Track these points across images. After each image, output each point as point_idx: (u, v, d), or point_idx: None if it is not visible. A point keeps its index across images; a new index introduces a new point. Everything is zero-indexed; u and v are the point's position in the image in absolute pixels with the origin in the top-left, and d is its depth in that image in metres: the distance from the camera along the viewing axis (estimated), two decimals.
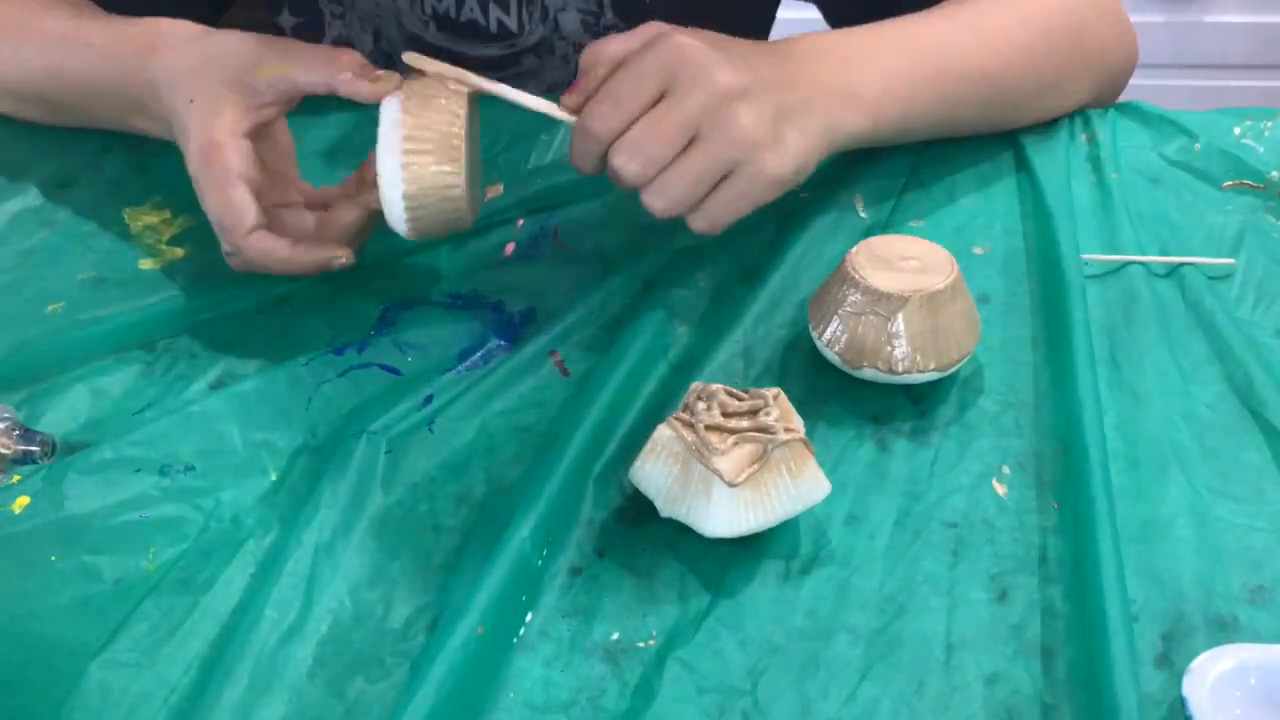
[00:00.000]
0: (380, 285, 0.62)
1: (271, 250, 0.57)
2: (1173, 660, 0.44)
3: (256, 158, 0.57)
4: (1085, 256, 0.61)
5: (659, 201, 0.55)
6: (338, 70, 0.56)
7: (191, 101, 0.57)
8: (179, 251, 0.64)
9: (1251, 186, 0.67)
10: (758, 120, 0.55)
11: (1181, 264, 0.61)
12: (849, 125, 0.61)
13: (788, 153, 0.56)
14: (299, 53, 0.57)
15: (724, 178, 0.55)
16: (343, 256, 0.58)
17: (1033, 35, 0.67)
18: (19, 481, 0.51)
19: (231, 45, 0.58)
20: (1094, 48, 0.71)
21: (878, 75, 0.62)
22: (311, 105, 0.60)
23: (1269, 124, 0.71)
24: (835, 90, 0.60)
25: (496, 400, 0.55)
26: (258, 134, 0.58)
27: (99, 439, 0.53)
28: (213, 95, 0.57)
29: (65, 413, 0.55)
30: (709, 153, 0.54)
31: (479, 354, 0.57)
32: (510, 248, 0.65)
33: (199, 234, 0.65)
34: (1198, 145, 0.70)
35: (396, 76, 0.56)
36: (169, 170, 0.69)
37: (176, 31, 0.62)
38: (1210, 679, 0.41)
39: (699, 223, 0.57)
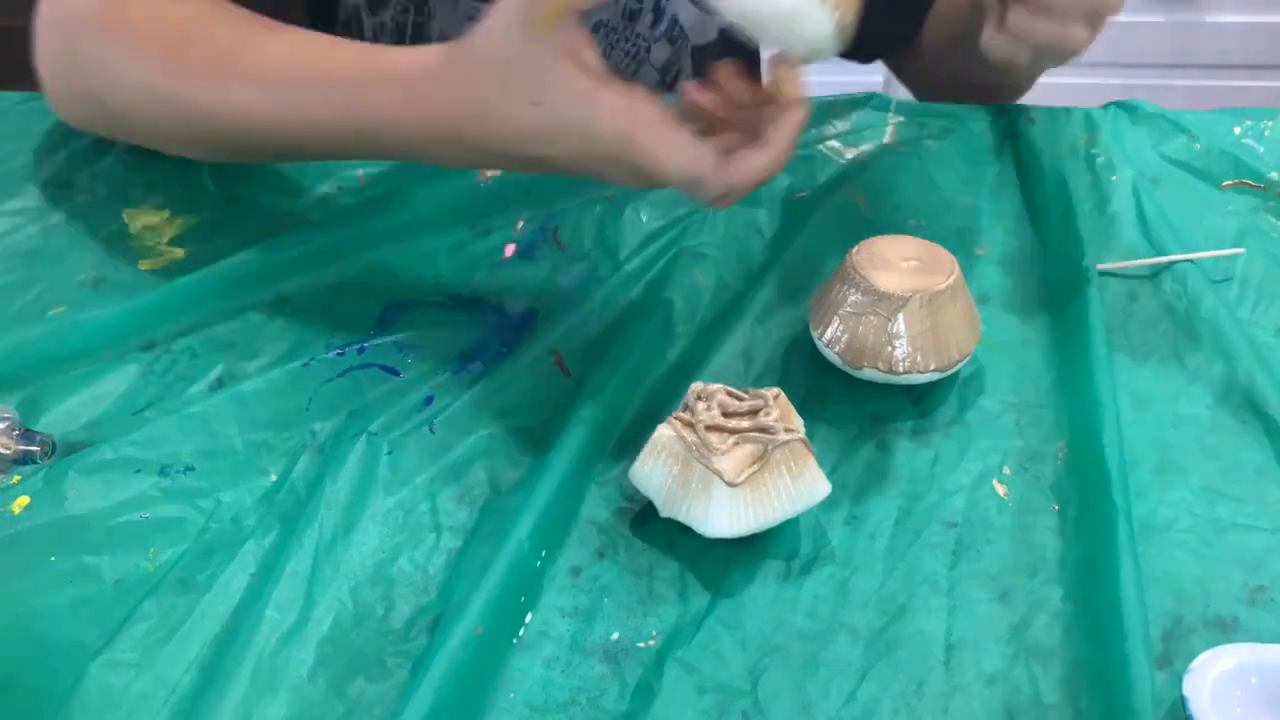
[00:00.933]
0: (380, 285, 0.62)
1: (756, 162, 0.49)
2: (1173, 660, 0.44)
3: (646, 93, 0.49)
4: (1101, 267, 0.61)
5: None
6: None
7: (534, 105, 0.49)
8: (179, 252, 0.64)
9: (1252, 186, 0.67)
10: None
11: (1184, 261, 0.61)
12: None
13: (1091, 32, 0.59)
14: None
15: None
16: (804, 110, 0.50)
17: None
18: (19, 482, 0.51)
19: (494, 42, 0.50)
20: None
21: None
22: None
23: (1269, 124, 0.71)
24: None
25: (497, 400, 0.55)
26: (608, 73, 0.50)
27: (99, 439, 0.53)
28: (551, 83, 0.49)
29: (65, 413, 0.54)
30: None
31: (479, 359, 0.57)
32: (510, 249, 0.65)
33: (199, 234, 0.65)
34: (1198, 145, 0.70)
35: None
36: (168, 170, 0.69)
37: (412, 63, 0.54)
38: (1211, 679, 0.41)
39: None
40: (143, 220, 0.67)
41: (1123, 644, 0.42)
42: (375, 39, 0.78)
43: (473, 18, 0.75)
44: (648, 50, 0.78)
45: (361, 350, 0.58)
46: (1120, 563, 0.45)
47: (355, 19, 0.78)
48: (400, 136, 0.55)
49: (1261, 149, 0.69)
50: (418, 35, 0.77)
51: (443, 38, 0.76)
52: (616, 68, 0.78)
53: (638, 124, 0.49)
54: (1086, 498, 0.48)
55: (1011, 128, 0.72)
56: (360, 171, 0.69)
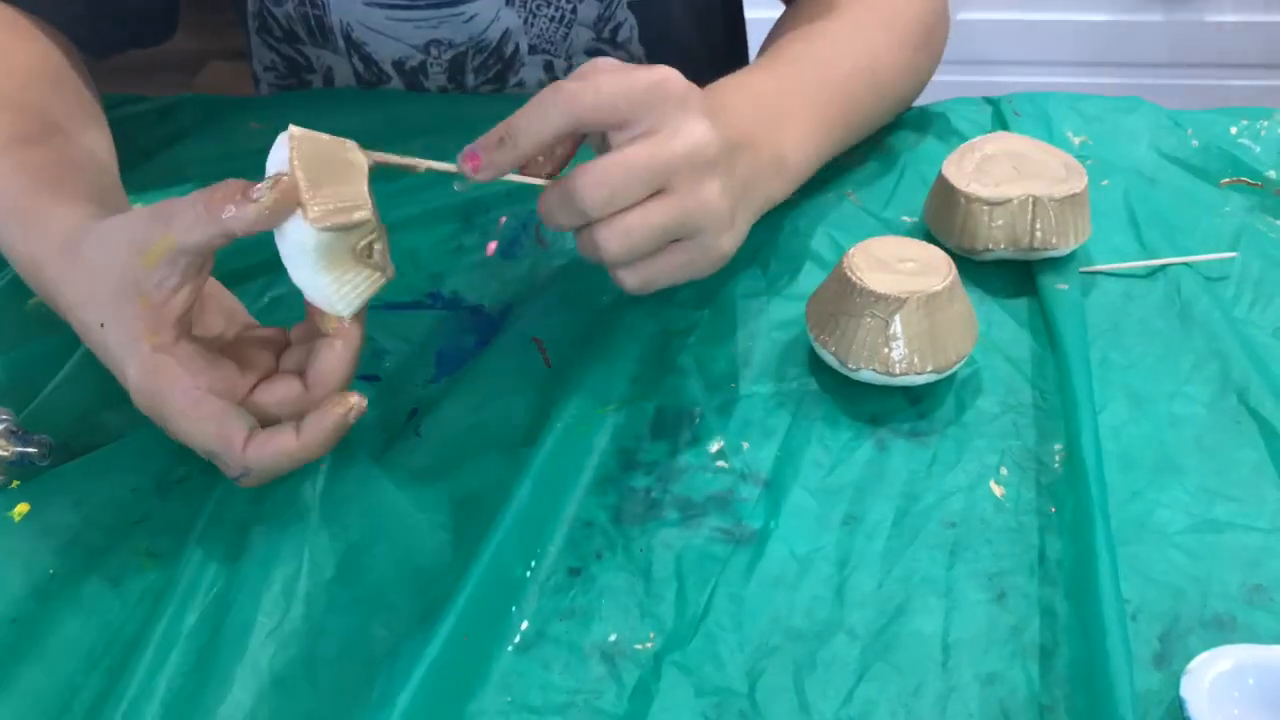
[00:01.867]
0: None
1: (281, 448, 0.48)
2: (1170, 661, 0.44)
3: (203, 352, 0.49)
4: (1083, 270, 0.61)
5: (615, 243, 0.50)
6: (219, 206, 0.45)
7: (102, 325, 0.49)
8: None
9: (1249, 184, 0.67)
10: (724, 197, 0.52)
11: (1179, 263, 0.61)
12: (776, 196, 0.61)
13: (738, 233, 0.55)
14: (172, 213, 0.47)
15: (676, 242, 0.52)
16: (353, 403, 0.49)
17: (908, 52, 0.69)
18: (17, 487, 0.51)
19: (105, 245, 0.49)
20: (938, 41, 0.73)
21: (800, 137, 0.62)
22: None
23: (1265, 123, 0.71)
24: (770, 162, 0.59)
25: (480, 398, 0.55)
26: (186, 326, 0.49)
27: (97, 441, 0.53)
28: (117, 316, 0.48)
29: (64, 414, 0.55)
30: (678, 211, 0.50)
31: (459, 359, 0.57)
32: (492, 246, 0.65)
33: None
34: (1195, 143, 0.70)
35: (284, 180, 0.45)
36: (150, 174, 0.69)
37: (59, 234, 0.52)
38: (1208, 679, 0.41)
39: (633, 279, 0.52)
40: None
41: (1103, 642, 0.42)
42: (288, 28, 0.80)
43: (369, 2, 0.76)
44: (574, 11, 0.78)
45: None
46: (1098, 561, 0.45)
47: (264, 9, 0.79)
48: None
49: (1258, 149, 0.69)
50: (320, 27, 0.79)
51: (345, 28, 0.77)
52: (544, 34, 0.78)
53: (166, 383, 0.47)
54: (1082, 499, 0.48)
55: (1002, 122, 0.72)
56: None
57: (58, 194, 0.54)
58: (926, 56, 0.72)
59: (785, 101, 0.62)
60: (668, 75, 0.51)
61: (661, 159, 0.49)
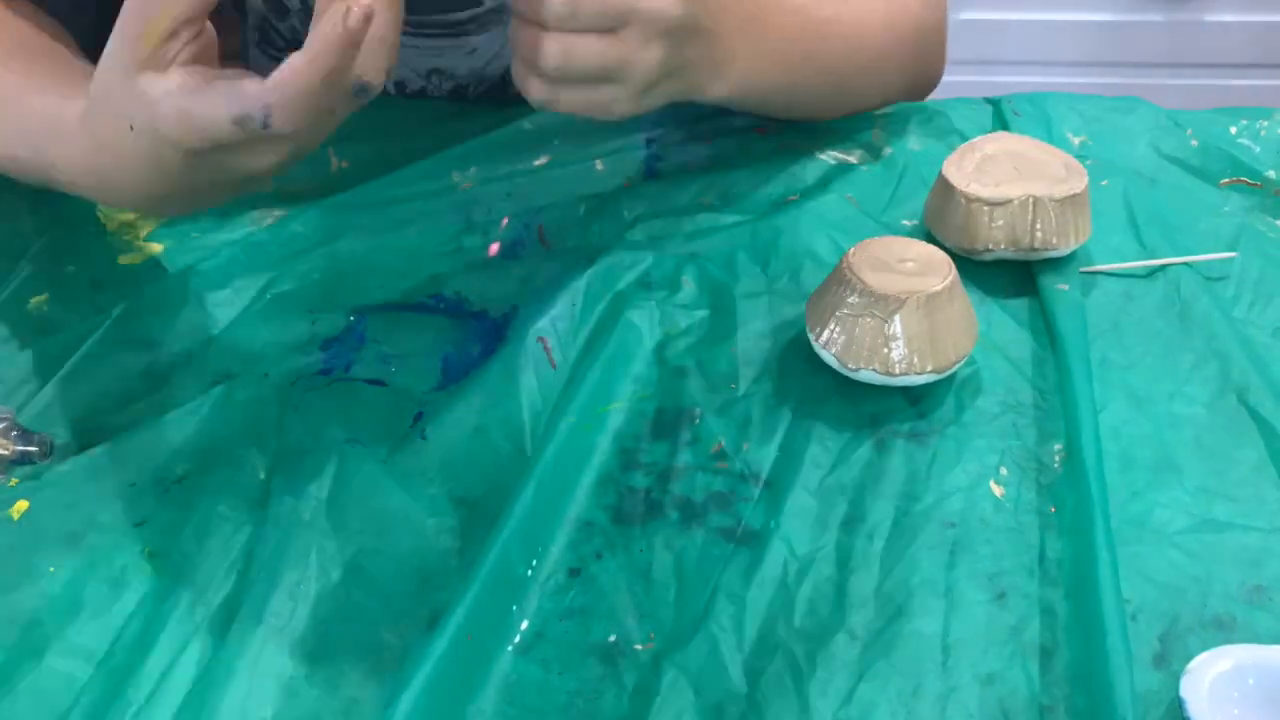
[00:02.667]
0: (363, 287, 0.62)
1: (290, 69, 0.45)
2: (1170, 661, 0.44)
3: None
4: (1083, 270, 0.61)
5: (554, 58, 0.53)
6: None
7: (131, 128, 0.48)
8: (156, 247, 0.65)
9: (1249, 184, 0.67)
10: (660, 67, 0.55)
11: (1179, 263, 0.61)
12: (702, 94, 0.61)
13: (647, 104, 0.57)
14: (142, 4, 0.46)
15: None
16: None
17: (893, 38, 0.70)
18: (16, 485, 0.51)
19: (103, 84, 0.49)
20: (928, 50, 0.74)
21: (755, 56, 0.62)
22: None
23: (1264, 123, 0.71)
24: (719, 61, 0.60)
25: (490, 402, 0.55)
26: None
27: (97, 441, 0.53)
28: (137, 101, 0.48)
29: (64, 414, 0.55)
30: (618, 56, 0.53)
31: (465, 362, 0.57)
32: (495, 247, 0.65)
33: (175, 229, 0.66)
34: (1194, 143, 0.70)
35: None
36: None
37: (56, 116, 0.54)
38: (1208, 680, 0.41)
39: (541, 94, 0.55)
40: (120, 217, 0.67)
41: (1103, 642, 0.42)
42: (291, 39, 0.79)
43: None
44: None
45: (348, 368, 0.57)
46: (1098, 561, 0.45)
47: (265, 23, 0.79)
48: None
49: (1258, 149, 0.69)
50: None
51: None
52: None
53: (185, 91, 0.46)
54: (1077, 498, 0.48)
55: (1002, 122, 0.72)
56: (337, 161, 0.69)
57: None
58: (912, 58, 0.72)
59: (766, 16, 0.62)
60: None
61: (627, 4, 0.52)
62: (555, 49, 0.53)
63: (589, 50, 0.53)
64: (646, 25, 0.53)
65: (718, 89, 0.62)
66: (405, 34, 0.75)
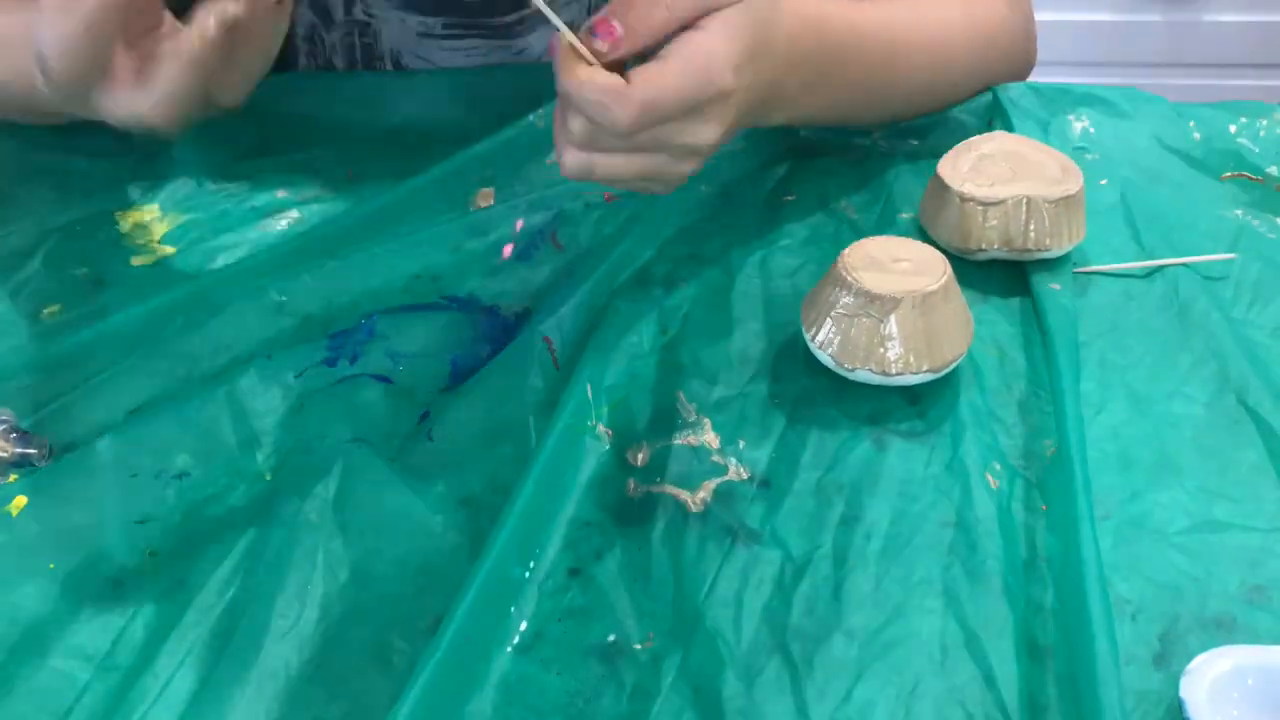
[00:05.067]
0: (374, 287, 0.62)
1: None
2: (1170, 661, 0.44)
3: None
4: (1077, 270, 0.61)
5: (601, 171, 0.52)
6: None
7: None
8: (169, 249, 0.64)
9: (1251, 179, 0.67)
10: (697, 167, 0.54)
11: (1178, 264, 0.61)
12: (763, 122, 0.61)
13: (701, 163, 0.55)
14: None
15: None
16: None
17: (968, 48, 0.69)
18: (15, 481, 0.51)
19: None
20: (1011, 60, 0.74)
21: (811, 99, 0.62)
22: None
23: (1264, 121, 0.71)
24: (770, 106, 0.58)
25: (496, 402, 0.55)
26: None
27: (96, 440, 0.53)
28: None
29: (62, 414, 0.55)
30: (656, 168, 0.53)
31: (473, 363, 0.57)
32: (508, 249, 0.65)
33: (189, 232, 0.65)
34: (1197, 136, 0.70)
35: None
36: (159, 168, 0.69)
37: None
38: (1208, 680, 0.41)
39: (579, 169, 0.53)
40: (133, 218, 0.67)
41: (1090, 640, 0.42)
42: (329, 58, 0.79)
43: (422, 33, 0.75)
44: None
45: (354, 360, 0.57)
46: (1084, 559, 0.45)
47: (316, 32, 0.78)
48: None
49: (1257, 148, 0.69)
50: (367, 55, 0.78)
51: (395, 56, 0.77)
52: None
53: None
54: (1062, 496, 0.48)
55: (1003, 114, 0.72)
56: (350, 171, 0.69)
57: None
58: (996, 59, 0.71)
59: (826, 59, 0.61)
60: (713, 66, 0.50)
61: (663, 137, 0.51)
62: (605, 166, 0.52)
63: (630, 167, 0.52)
64: (682, 154, 0.52)
65: (776, 120, 0.62)
66: (454, 37, 0.75)
